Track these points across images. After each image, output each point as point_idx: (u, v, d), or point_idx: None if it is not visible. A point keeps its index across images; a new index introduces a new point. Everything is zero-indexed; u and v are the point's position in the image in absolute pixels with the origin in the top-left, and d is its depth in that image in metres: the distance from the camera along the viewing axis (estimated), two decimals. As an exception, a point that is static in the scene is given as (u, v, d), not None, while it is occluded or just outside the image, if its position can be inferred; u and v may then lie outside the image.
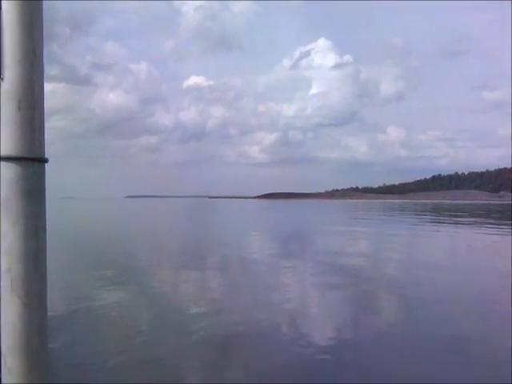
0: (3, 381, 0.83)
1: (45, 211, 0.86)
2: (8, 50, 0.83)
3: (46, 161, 0.85)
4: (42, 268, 0.84)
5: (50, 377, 0.85)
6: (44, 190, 0.85)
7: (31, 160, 0.83)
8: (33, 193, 0.83)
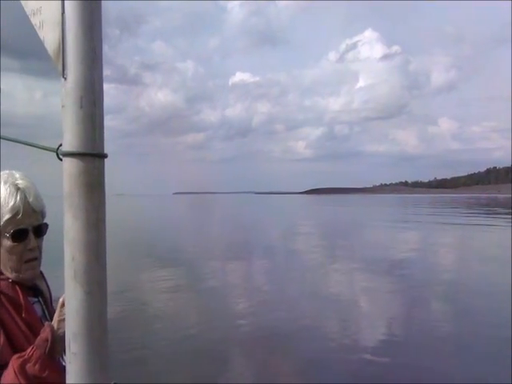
0: (68, 364, 0.88)
1: (105, 204, 0.89)
2: (70, 49, 0.86)
3: (105, 156, 0.89)
4: (103, 258, 0.88)
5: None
6: (104, 184, 0.89)
7: (92, 155, 0.87)
8: (94, 187, 0.87)
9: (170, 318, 9.85)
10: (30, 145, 1.12)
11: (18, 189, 1.69)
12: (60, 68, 0.87)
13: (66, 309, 0.88)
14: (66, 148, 0.87)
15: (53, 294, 1.93)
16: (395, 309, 10.95)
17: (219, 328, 9.01)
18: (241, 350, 8.09)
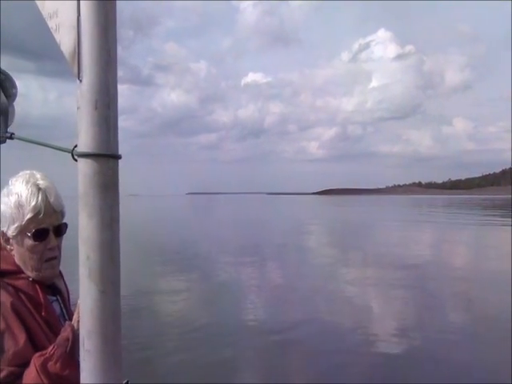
0: (81, 361, 0.89)
1: (118, 204, 0.91)
2: (85, 52, 0.87)
3: (119, 157, 0.90)
4: (116, 257, 0.90)
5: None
6: (118, 184, 0.90)
7: (106, 156, 0.88)
8: (108, 187, 0.88)
9: (180, 317, 9.90)
10: (46, 145, 1.14)
11: (39, 189, 1.72)
12: (75, 71, 0.88)
13: (81, 307, 0.90)
14: (81, 149, 0.88)
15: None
16: (411, 309, 10.90)
17: (229, 325, 9.06)
18: (250, 346, 8.12)
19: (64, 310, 1.87)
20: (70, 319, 1.74)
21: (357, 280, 14.27)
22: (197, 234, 30.72)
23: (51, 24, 0.94)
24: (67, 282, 1.97)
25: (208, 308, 10.67)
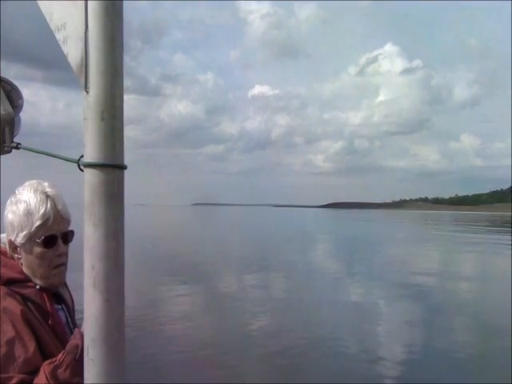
0: (85, 370, 0.89)
1: (123, 214, 0.92)
2: (92, 64, 0.89)
3: (125, 167, 0.91)
4: (121, 266, 0.91)
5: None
6: (123, 194, 0.91)
7: (112, 167, 0.89)
8: (113, 197, 0.89)
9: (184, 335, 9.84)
10: (53, 156, 1.15)
11: (47, 196, 1.75)
12: (82, 82, 0.90)
13: (85, 315, 0.90)
14: (87, 159, 0.90)
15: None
16: (417, 326, 10.80)
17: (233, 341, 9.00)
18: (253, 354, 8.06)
19: (69, 319, 1.89)
20: (75, 328, 1.75)
21: (362, 296, 14.16)
22: (202, 245, 30.61)
23: (59, 36, 0.95)
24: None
25: (211, 321, 10.60)
